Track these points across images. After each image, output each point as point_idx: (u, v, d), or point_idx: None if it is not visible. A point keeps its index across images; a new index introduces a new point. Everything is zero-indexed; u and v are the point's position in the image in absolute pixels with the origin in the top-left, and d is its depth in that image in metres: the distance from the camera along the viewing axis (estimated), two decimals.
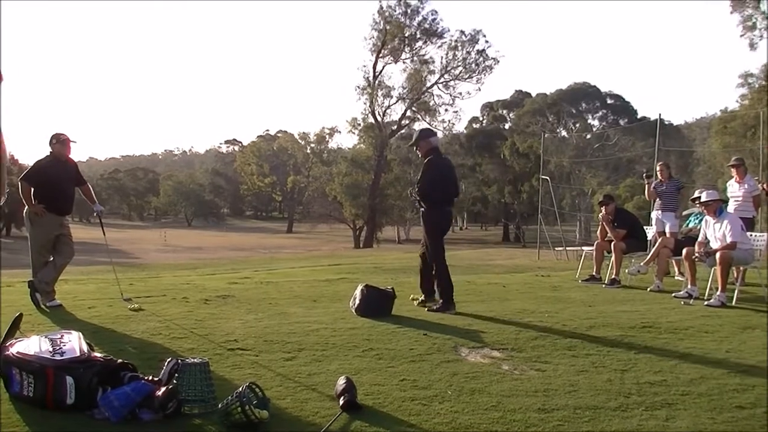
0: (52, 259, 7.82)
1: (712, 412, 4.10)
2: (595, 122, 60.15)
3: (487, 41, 54.36)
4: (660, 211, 10.90)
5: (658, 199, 11.05)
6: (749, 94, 38.42)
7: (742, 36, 35.74)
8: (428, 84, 54.72)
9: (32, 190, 7.67)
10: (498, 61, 53.55)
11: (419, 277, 8.10)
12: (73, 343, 4.24)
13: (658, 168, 11.32)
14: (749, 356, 5.51)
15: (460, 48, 53.56)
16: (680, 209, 11.11)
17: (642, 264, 9.75)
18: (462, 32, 53.47)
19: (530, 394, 4.38)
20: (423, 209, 7.83)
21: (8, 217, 63.43)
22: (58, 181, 7.74)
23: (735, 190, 10.32)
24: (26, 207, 7.71)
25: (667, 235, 10.31)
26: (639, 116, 56.45)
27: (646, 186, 11.43)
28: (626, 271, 10.00)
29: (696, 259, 8.51)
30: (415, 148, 8.19)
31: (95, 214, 8.73)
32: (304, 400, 4.25)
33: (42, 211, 7.62)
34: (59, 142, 7.80)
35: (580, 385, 4.61)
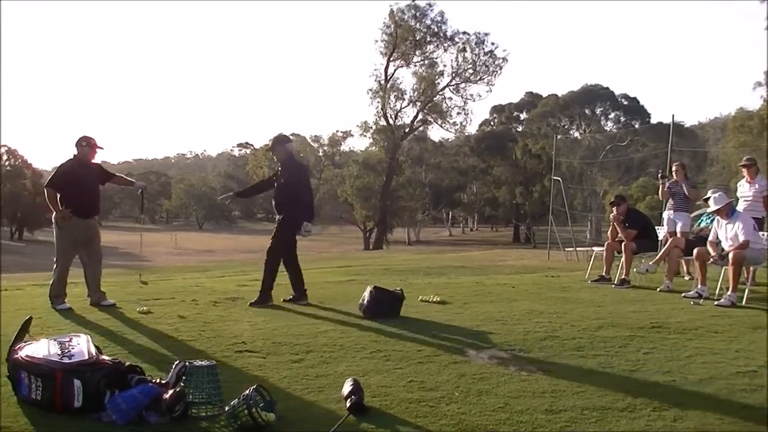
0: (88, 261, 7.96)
1: (721, 412, 4.07)
2: (608, 124, 59.98)
3: (493, 42, 54.25)
4: (672, 211, 10.83)
5: (670, 199, 10.98)
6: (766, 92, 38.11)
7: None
8: (439, 87, 54.75)
9: (58, 195, 7.73)
10: (507, 60, 53.55)
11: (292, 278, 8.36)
12: (82, 346, 4.26)
13: (674, 168, 11.23)
14: (759, 356, 5.47)
15: (469, 50, 53.56)
16: (692, 210, 11.05)
17: (651, 263, 9.71)
18: (467, 33, 53.50)
19: (538, 395, 4.37)
20: (285, 212, 8.14)
21: (21, 221, 63.96)
22: (82, 184, 7.80)
23: (745, 190, 10.24)
24: (53, 212, 7.78)
25: (678, 234, 10.26)
26: (652, 117, 56.30)
27: (661, 185, 11.35)
28: (635, 270, 9.95)
29: (711, 263, 8.47)
30: (271, 153, 8.66)
31: (139, 192, 9.13)
32: (312, 402, 4.25)
33: (69, 215, 7.68)
34: (88, 145, 7.88)
35: (588, 385, 4.59)
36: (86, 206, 7.88)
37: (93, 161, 8.07)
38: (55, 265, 7.85)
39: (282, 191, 8.16)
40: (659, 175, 11.75)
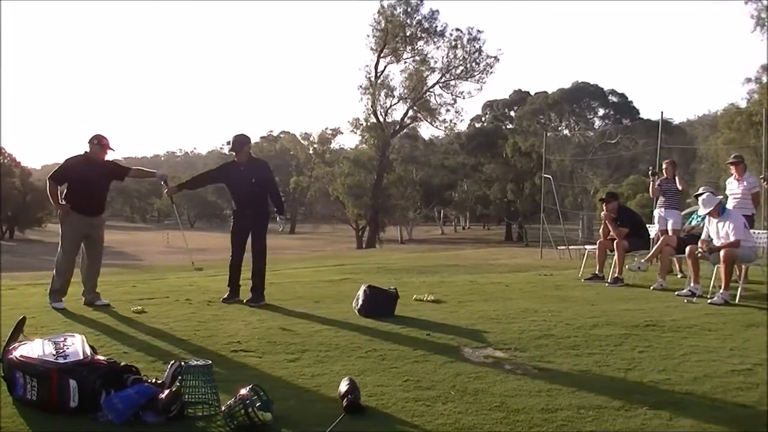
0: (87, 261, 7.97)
1: (716, 410, 4.10)
2: (598, 121, 60.14)
3: (480, 38, 53.94)
4: (663, 209, 10.88)
5: (661, 197, 11.01)
6: (758, 89, 38.32)
7: (752, 31, 35.79)
8: (429, 84, 54.68)
9: (59, 188, 7.73)
10: (498, 60, 53.48)
11: (234, 275, 8.36)
12: (77, 346, 4.24)
13: (664, 165, 11.27)
14: (753, 354, 5.51)
15: (460, 47, 53.51)
16: (683, 207, 11.08)
17: (643, 261, 9.75)
18: (459, 30, 53.39)
19: (534, 394, 4.38)
20: (260, 208, 8.29)
21: (11, 220, 63.63)
22: (86, 180, 7.76)
23: (734, 187, 10.29)
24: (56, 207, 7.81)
25: (670, 233, 10.31)
26: (641, 114, 56.53)
27: (651, 183, 11.39)
28: (627, 267, 9.98)
29: (699, 255, 8.51)
30: (234, 153, 8.56)
31: (162, 183, 8.80)
32: (308, 401, 4.25)
33: (67, 210, 7.67)
34: (98, 144, 7.86)
35: (584, 384, 4.60)
36: (88, 204, 7.85)
37: (104, 160, 8.02)
38: (56, 264, 7.83)
39: (254, 188, 8.22)
40: (650, 172, 11.78)
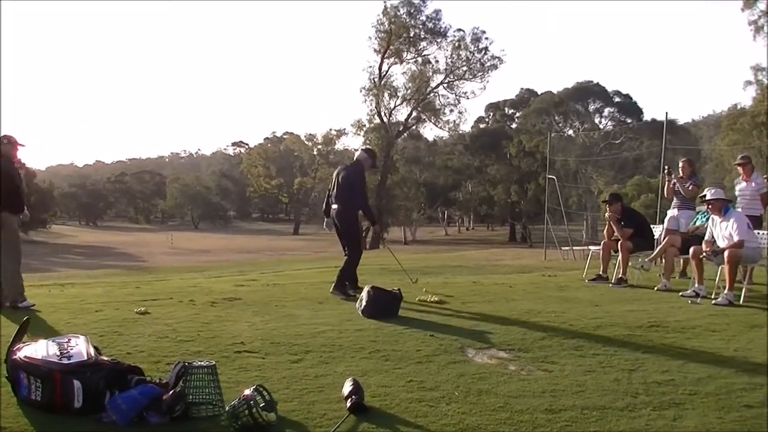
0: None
1: (720, 411, 4.09)
2: (602, 121, 60.06)
3: (487, 38, 53.68)
4: (676, 210, 10.80)
5: (675, 198, 10.93)
6: (759, 90, 38.29)
7: (754, 40, 35.75)
8: (433, 84, 54.55)
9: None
10: (502, 60, 53.34)
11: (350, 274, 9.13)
12: (80, 346, 4.24)
13: (680, 164, 11.18)
14: (757, 355, 5.50)
15: (463, 48, 53.37)
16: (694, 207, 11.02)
17: (647, 260, 9.73)
18: (462, 30, 53.24)
19: (537, 395, 4.38)
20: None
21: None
22: (15, 181, 7.82)
23: (742, 188, 10.27)
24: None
25: (682, 230, 10.29)
26: (646, 114, 56.48)
27: (667, 182, 11.30)
28: (631, 264, 9.94)
29: (704, 258, 8.50)
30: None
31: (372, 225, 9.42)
32: (312, 402, 4.25)
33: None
34: (9, 143, 7.82)
35: (588, 385, 4.60)
36: (22, 202, 7.89)
37: (16, 159, 8.03)
38: (10, 265, 7.77)
39: None
40: (666, 171, 11.68)
